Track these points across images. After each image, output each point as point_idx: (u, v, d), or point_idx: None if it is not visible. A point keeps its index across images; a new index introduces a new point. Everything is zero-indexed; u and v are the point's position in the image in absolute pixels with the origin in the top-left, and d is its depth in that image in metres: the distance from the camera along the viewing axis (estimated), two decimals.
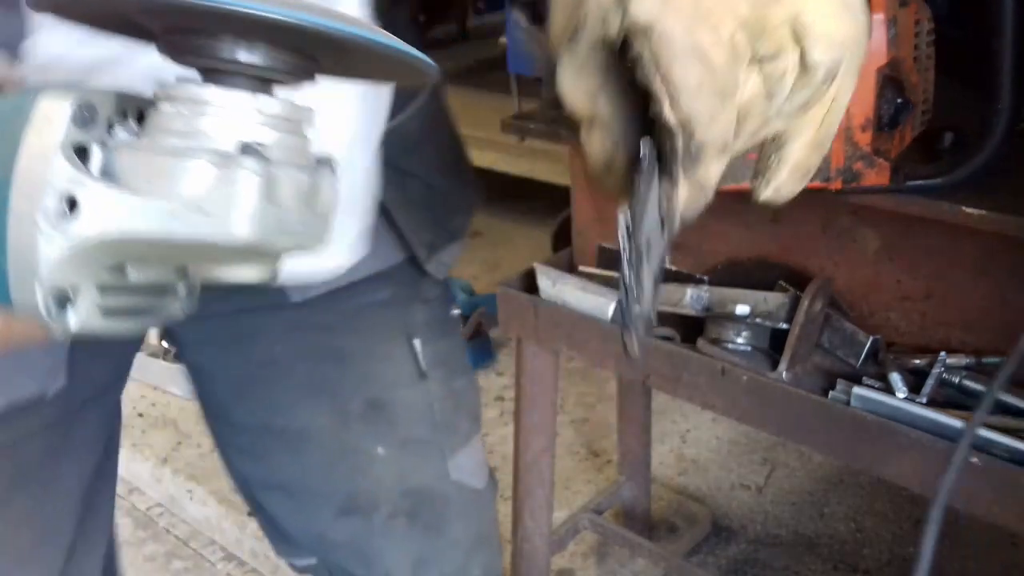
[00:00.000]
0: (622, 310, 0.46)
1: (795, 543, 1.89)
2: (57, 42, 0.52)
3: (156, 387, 2.47)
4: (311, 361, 0.87)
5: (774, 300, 1.06)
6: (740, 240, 1.12)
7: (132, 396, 2.45)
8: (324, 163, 0.43)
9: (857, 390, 0.98)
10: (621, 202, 0.48)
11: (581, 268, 1.26)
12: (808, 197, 0.53)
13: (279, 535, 0.97)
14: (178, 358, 0.93)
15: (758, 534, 1.93)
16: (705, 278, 1.15)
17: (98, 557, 0.83)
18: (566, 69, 0.46)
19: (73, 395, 0.74)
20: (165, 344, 2.42)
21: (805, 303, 1.01)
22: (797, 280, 1.07)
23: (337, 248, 0.73)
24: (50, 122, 0.37)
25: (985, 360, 0.97)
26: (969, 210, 0.89)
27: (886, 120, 0.88)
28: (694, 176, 0.44)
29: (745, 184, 0.51)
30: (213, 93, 0.38)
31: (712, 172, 0.44)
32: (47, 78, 0.52)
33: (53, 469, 0.76)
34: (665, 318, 1.13)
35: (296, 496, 0.91)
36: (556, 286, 1.21)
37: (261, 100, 0.39)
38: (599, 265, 1.25)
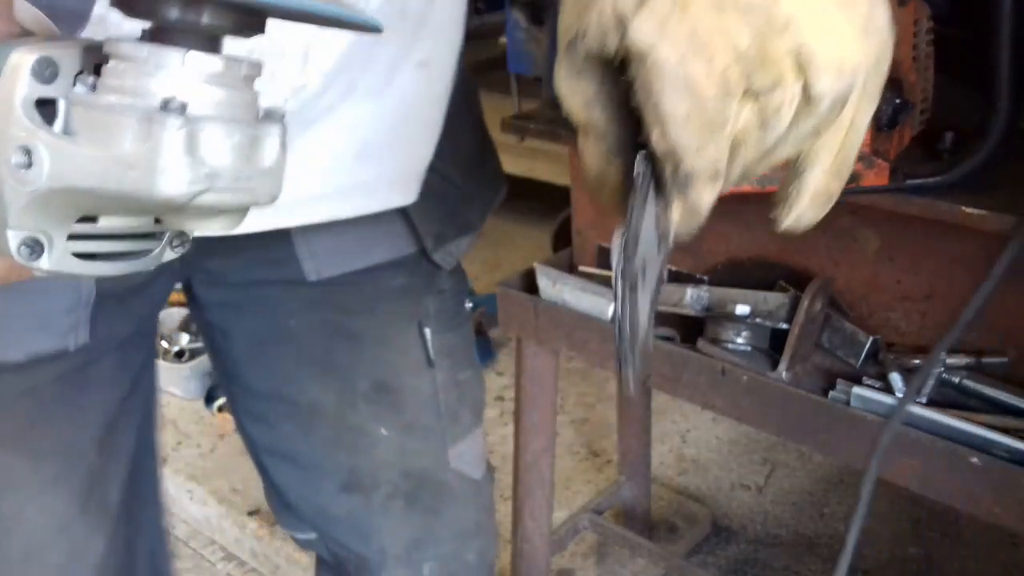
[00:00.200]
0: (617, 343, 0.45)
1: (795, 543, 1.89)
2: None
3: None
4: (324, 338, 0.89)
5: (774, 300, 1.06)
6: (740, 240, 1.12)
7: None
8: (272, 117, 0.43)
9: (857, 390, 0.98)
10: (615, 215, 0.47)
11: (581, 268, 1.27)
12: None
13: (283, 505, 0.99)
14: (196, 319, 0.98)
15: (758, 534, 1.93)
16: (705, 278, 1.15)
17: (120, 482, 0.85)
18: (563, 71, 0.46)
19: (96, 346, 0.76)
20: (165, 344, 2.42)
21: (805, 303, 1.01)
22: (797, 280, 1.07)
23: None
24: (12, 77, 0.39)
25: (985, 360, 0.97)
26: (969, 210, 0.89)
27: (885, 120, 0.88)
28: (686, 201, 0.43)
29: (745, 187, 0.50)
30: (148, 50, 0.39)
31: (704, 198, 0.43)
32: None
33: (74, 407, 0.79)
34: (665, 318, 1.13)
35: (301, 467, 0.94)
36: (556, 286, 1.21)
37: (195, 57, 0.39)
38: (599, 265, 1.25)
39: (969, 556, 1.81)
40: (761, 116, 0.42)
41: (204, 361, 2.43)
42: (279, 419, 0.93)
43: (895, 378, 0.97)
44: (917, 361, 0.99)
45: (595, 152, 0.47)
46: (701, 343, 1.09)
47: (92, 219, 0.43)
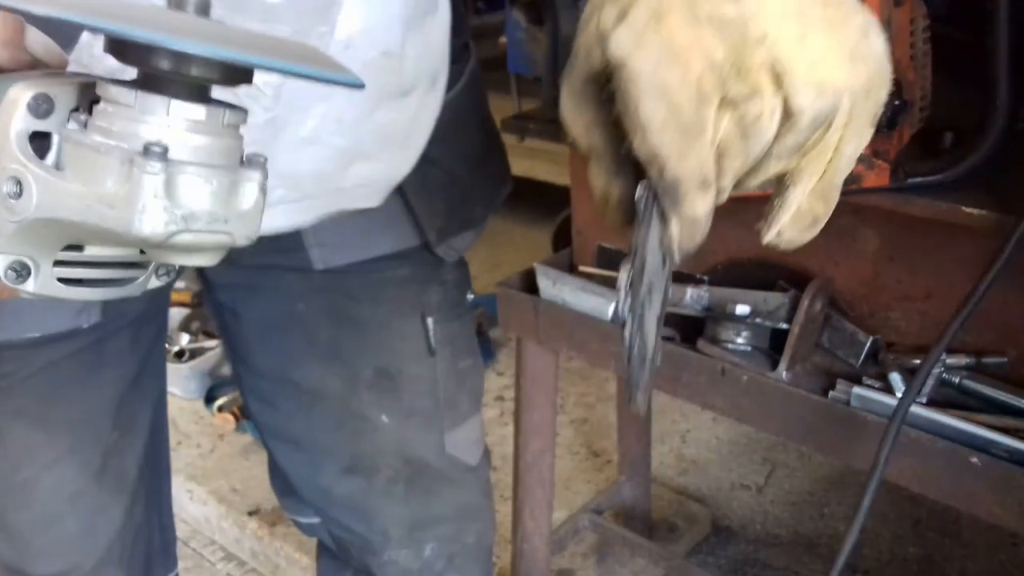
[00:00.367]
0: (626, 363, 0.46)
1: (795, 543, 1.89)
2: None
3: None
4: (330, 325, 0.91)
5: (774, 300, 1.06)
6: (740, 240, 1.12)
7: None
8: (253, 162, 0.44)
9: (857, 390, 0.98)
10: (619, 233, 0.48)
11: (581, 268, 1.26)
12: None
13: (288, 489, 1.02)
14: (206, 300, 1.02)
15: (758, 534, 1.93)
16: (705, 278, 1.15)
17: (136, 457, 0.89)
18: (566, 100, 0.48)
19: (108, 324, 0.80)
20: (166, 345, 2.42)
21: (805, 303, 1.01)
22: (797, 280, 1.07)
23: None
24: (11, 109, 0.41)
25: (985, 360, 0.97)
26: (969, 210, 0.89)
27: (884, 121, 0.88)
28: (681, 211, 0.44)
29: (743, 192, 0.51)
30: (135, 96, 0.41)
31: (698, 207, 0.44)
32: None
33: (88, 383, 0.82)
34: (665, 318, 1.13)
35: (304, 450, 0.96)
36: (556, 286, 1.21)
37: (179, 106, 0.41)
38: (599, 265, 1.25)
39: (969, 556, 1.81)
40: (741, 126, 0.43)
41: (204, 361, 2.43)
42: (283, 401, 0.95)
43: (895, 378, 0.97)
44: (917, 361, 0.99)
45: (597, 174, 0.49)
46: (701, 343, 1.09)
47: (79, 247, 0.45)
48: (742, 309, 1.06)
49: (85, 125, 0.42)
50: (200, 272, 0.94)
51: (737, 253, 1.14)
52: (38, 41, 0.48)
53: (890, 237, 1.02)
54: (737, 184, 0.47)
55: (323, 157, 0.74)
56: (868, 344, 1.03)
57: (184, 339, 2.45)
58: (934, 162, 0.93)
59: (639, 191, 0.45)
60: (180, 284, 0.93)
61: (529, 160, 2.85)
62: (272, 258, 0.88)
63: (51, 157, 0.42)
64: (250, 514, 2.01)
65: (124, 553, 0.89)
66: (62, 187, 0.41)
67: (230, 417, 2.27)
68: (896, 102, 0.87)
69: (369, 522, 0.97)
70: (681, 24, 0.42)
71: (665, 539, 1.90)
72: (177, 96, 0.41)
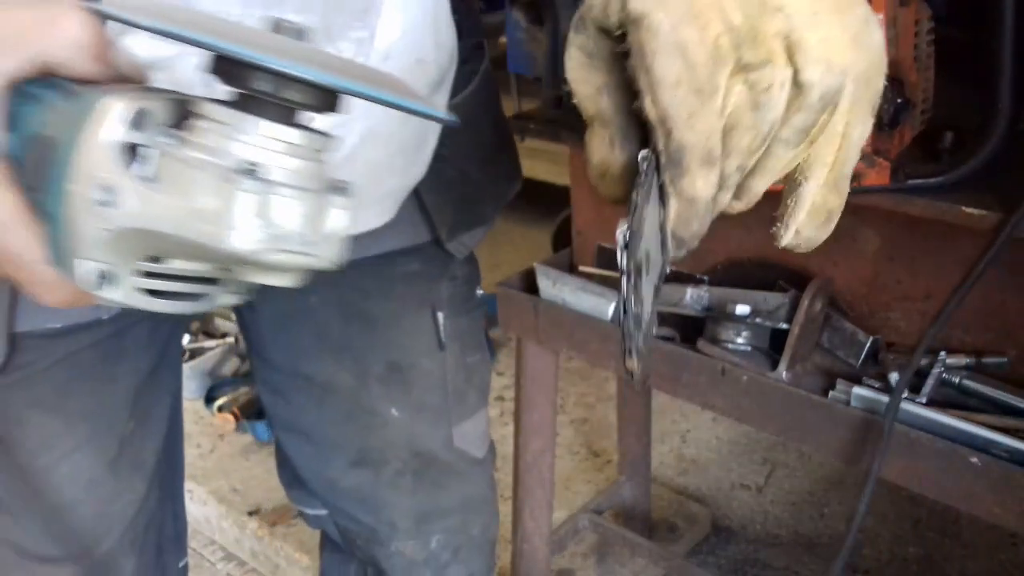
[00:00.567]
0: (622, 331, 0.46)
1: (795, 543, 1.89)
2: (138, 41, 0.55)
3: None
4: (341, 319, 0.92)
5: (774, 300, 1.06)
6: (740, 240, 1.12)
7: None
8: (338, 187, 0.45)
9: (857, 390, 0.98)
10: (614, 204, 0.48)
11: (581, 268, 1.27)
12: None
13: (296, 480, 1.03)
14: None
15: (758, 534, 1.93)
16: (705, 278, 1.15)
17: (154, 448, 0.90)
18: (575, 59, 0.47)
19: (128, 315, 0.80)
20: None
21: (805, 303, 1.01)
22: (797, 280, 1.07)
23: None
24: (106, 121, 0.42)
25: (985, 360, 0.97)
26: (969, 210, 0.89)
27: (886, 120, 0.88)
28: (680, 187, 0.44)
29: (752, 198, 0.51)
30: (234, 115, 0.42)
31: (699, 184, 0.44)
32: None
33: (106, 374, 0.83)
34: (665, 318, 1.13)
35: (314, 442, 0.97)
36: (556, 286, 1.21)
37: (274, 127, 0.42)
38: (599, 265, 1.25)
39: (969, 556, 1.81)
40: (752, 95, 0.43)
41: (204, 361, 2.43)
42: (295, 394, 0.96)
43: (895, 378, 0.97)
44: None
45: (600, 140, 0.48)
46: (701, 343, 1.09)
47: (159, 259, 0.46)
48: (742, 309, 1.06)
49: (177, 140, 0.43)
50: None
51: (737, 253, 1.14)
52: (124, 57, 0.49)
53: (890, 237, 1.02)
54: (745, 186, 0.47)
55: (360, 173, 0.75)
56: (868, 344, 1.03)
57: (184, 339, 2.45)
58: (935, 164, 0.93)
59: (642, 155, 0.45)
60: None
61: (529, 160, 2.84)
62: None
63: (141, 169, 0.43)
64: (250, 514, 2.01)
65: (137, 540, 0.90)
66: (156, 199, 0.42)
67: (230, 417, 2.27)
68: (899, 100, 0.87)
69: (376, 513, 0.98)
70: None
71: (665, 539, 1.90)
72: (274, 118, 0.42)
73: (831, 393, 1.00)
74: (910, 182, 0.91)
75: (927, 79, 0.95)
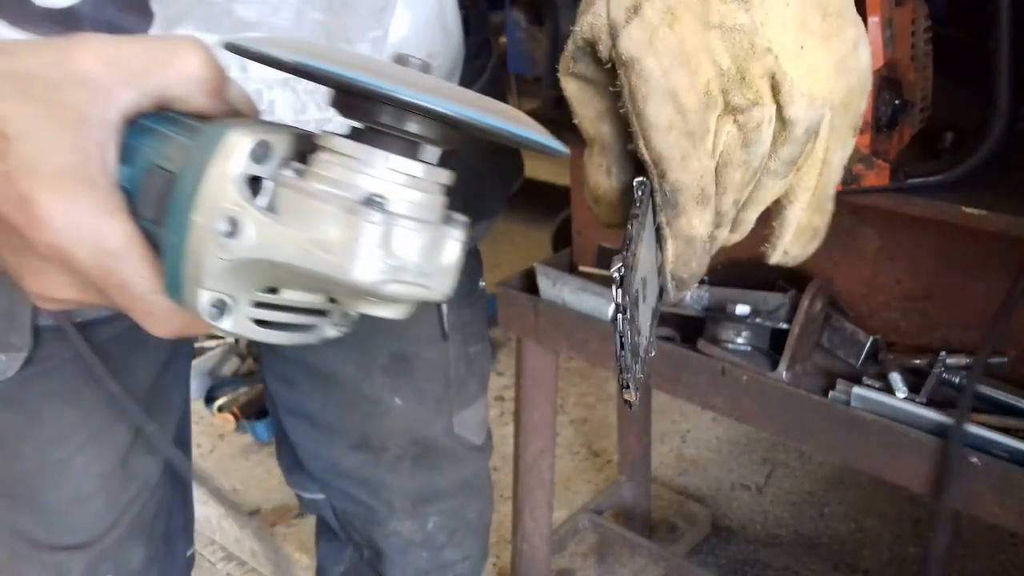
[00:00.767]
0: (617, 359, 0.46)
1: (795, 543, 1.89)
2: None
3: None
4: None
5: (774, 300, 1.06)
6: (740, 240, 1.12)
7: None
8: (455, 222, 0.46)
9: (857, 390, 0.98)
10: (610, 228, 0.49)
11: (581, 268, 1.27)
12: None
13: (295, 464, 1.04)
14: None
15: (758, 534, 1.93)
16: (705, 278, 1.15)
17: (165, 439, 0.91)
18: (572, 85, 0.48)
19: None
20: None
21: (805, 303, 1.01)
22: (797, 280, 1.07)
23: None
24: (231, 154, 0.43)
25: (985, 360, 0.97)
26: (969, 210, 0.89)
27: (884, 121, 0.88)
28: (677, 227, 0.45)
29: (745, 228, 0.52)
30: (358, 149, 0.43)
31: (695, 224, 0.45)
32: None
33: (124, 366, 0.84)
34: (665, 318, 1.13)
35: (316, 426, 0.99)
36: (556, 286, 1.21)
37: (399, 160, 0.43)
38: (599, 265, 1.25)
39: (969, 556, 1.81)
40: (742, 134, 0.44)
41: (204, 361, 2.43)
42: (300, 381, 0.98)
43: (895, 378, 0.97)
44: (917, 361, 0.99)
45: (597, 165, 0.49)
46: (701, 343, 1.09)
47: (274, 290, 0.47)
48: (742, 309, 1.06)
49: (300, 173, 0.44)
50: None
51: (737, 253, 1.13)
52: (239, 94, 0.50)
53: (890, 237, 1.02)
54: (738, 219, 0.48)
55: None
56: (868, 344, 1.03)
57: None
58: (934, 163, 0.93)
59: (636, 181, 0.46)
60: None
61: (529, 160, 2.83)
62: None
63: (264, 201, 0.44)
64: (250, 514, 2.01)
65: (146, 529, 0.91)
66: (278, 230, 0.43)
67: (230, 417, 2.27)
68: (897, 101, 0.87)
69: (375, 493, 1.00)
70: (693, 27, 0.42)
71: (665, 539, 1.90)
72: (398, 152, 0.43)
73: (831, 393, 1.00)
74: (910, 182, 0.91)
75: (925, 78, 0.95)
